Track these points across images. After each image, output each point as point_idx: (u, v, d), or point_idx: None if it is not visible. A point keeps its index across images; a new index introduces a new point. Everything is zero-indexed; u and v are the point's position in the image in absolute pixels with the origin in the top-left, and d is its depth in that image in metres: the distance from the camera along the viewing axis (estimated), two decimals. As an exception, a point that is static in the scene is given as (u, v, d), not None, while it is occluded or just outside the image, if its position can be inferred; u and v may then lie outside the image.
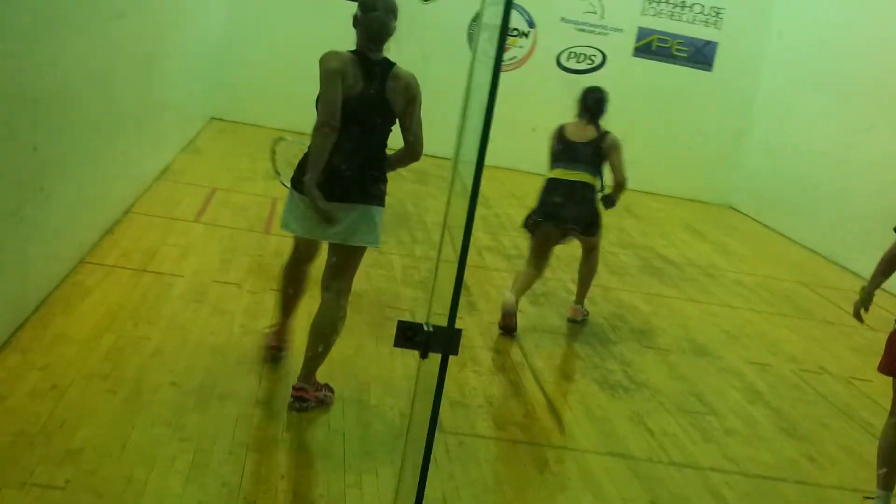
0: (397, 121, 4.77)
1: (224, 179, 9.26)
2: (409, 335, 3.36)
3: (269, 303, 6.04)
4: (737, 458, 5.13)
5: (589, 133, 6.81)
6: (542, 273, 6.95)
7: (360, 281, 6.77)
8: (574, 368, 6.03)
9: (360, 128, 4.67)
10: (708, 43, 13.66)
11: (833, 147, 11.48)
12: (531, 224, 6.89)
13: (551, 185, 6.86)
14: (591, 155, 6.76)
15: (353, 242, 4.78)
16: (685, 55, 13.64)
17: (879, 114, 10.69)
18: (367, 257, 7.29)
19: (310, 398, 4.74)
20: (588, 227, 6.84)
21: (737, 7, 13.60)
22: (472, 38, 12.56)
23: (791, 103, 12.71)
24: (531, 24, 13.34)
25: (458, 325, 6.27)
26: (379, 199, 4.79)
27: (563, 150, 6.83)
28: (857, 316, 4.79)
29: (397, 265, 7.42)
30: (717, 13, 13.61)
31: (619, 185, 6.79)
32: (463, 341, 5.91)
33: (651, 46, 13.55)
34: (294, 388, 4.74)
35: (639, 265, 9.07)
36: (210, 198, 8.40)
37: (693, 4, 13.58)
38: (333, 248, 4.85)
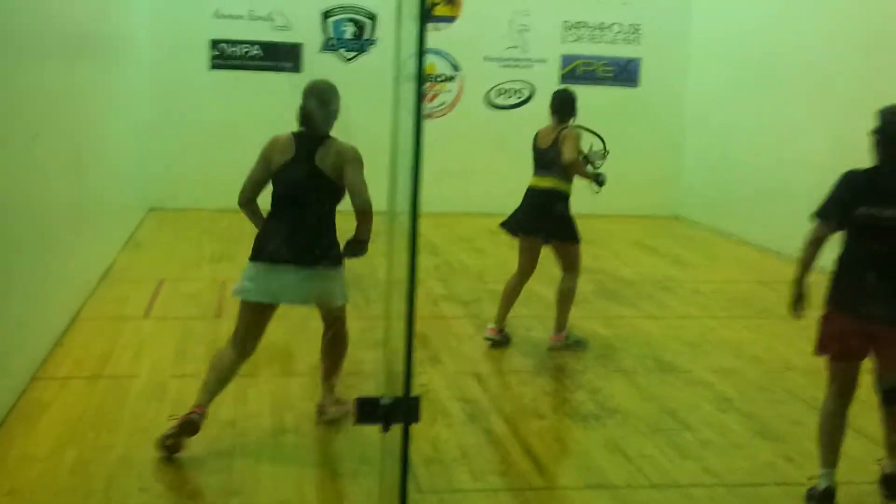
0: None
1: (169, 270, 9.20)
2: (369, 410, 3.33)
3: (230, 388, 5.94)
4: (716, 470, 5.13)
5: (554, 135, 6.99)
6: (528, 276, 7.21)
7: (318, 351, 6.75)
8: (544, 405, 6.01)
9: (301, 198, 5.20)
10: (631, 60, 13.83)
11: (768, 144, 11.65)
12: (508, 231, 7.21)
13: (526, 194, 7.15)
14: (555, 158, 6.90)
15: (318, 305, 5.42)
16: (611, 75, 13.80)
17: (807, 107, 10.87)
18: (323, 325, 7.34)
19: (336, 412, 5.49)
20: (556, 235, 6.97)
21: (654, 21, 13.79)
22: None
23: (723, 107, 12.88)
24: (456, 68, 13.45)
25: (422, 379, 6.27)
26: (333, 260, 5.24)
27: (536, 156, 7.10)
28: (796, 312, 4.79)
29: (354, 328, 7.29)
30: (636, 30, 13.80)
31: (570, 168, 6.87)
32: (430, 395, 5.95)
33: (576, 72, 13.69)
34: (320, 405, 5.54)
35: (594, 289, 9.09)
36: (157, 291, 8.33)
37: (612, 24, 13.76)
38: (321, 314, 5.54)
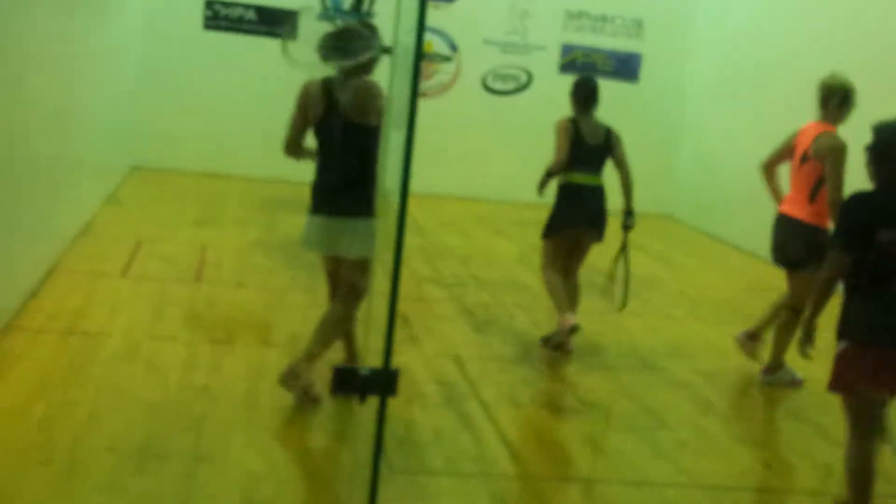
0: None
1: (149, 230, 9.05)
2: (346, 380, 3.26)
3: (206, 354, 5.88)
4: (692, 471, 5.07)
5: (602, 131, 7.10)
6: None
7: (298, 323, 6.68)
8: (522, 395, 5.92)
9: (332, 144, 5.16)
10: (632, 55, 13.72)
11: (765, 149, 11.55)
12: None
13: (580, 192, 6.89)
14: (605, 157, 7.02)
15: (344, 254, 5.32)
16: (610, 69, 13.68)
17: (805, 114, 10.78)
18: (305, 299, 7.25)
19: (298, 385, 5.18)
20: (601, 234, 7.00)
21: (657, 18, 13.67)
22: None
23: (720, 109, 12.81)
24: (454, 48, 13.31)
25: (400, 359, 6.17)
26: (363, 210, 5.20)
27: (583, 152, 6.86)
28: (804, 354, 4.57)
29: (336, 304, 7.27)
30: (639, 24, 13.69)
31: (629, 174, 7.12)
32: (407, 376, 5.85)
33: (576, 62, 13.57)
34: (287, 368, 5.22)
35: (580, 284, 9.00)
36: (136, 250, 8.19)
37: (614, 17, 13.64)
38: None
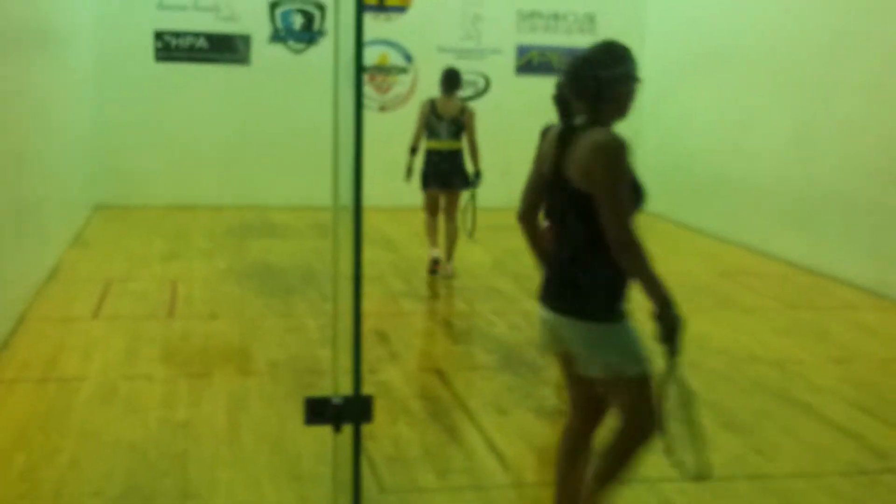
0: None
1: (118, 268, 8.98)
2: (319, 411, 3.19)
3: (184, 389, 5.81)
4: (684, 464, 5.03)
5: (457, 106, 8.87)
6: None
7: (275, 349, 6.62)
8: (507, 401, 5.88)
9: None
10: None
11: (727, 133, 11.62)
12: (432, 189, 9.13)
13: (437, 155, 8.86)
14: (462, 127, 8.84)
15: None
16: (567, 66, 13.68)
17: (766, 95, 10.85)
18: (280, 325, 7.19)
19: None
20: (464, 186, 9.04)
21: (608, 11, 13.71)
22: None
23: (680, 97, 12.84)
24: (408, 59, 13.28)
25: (382, 377, 6.11)
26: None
27: (440, 124, 8.77)
28: None
29: (311, 326, 7.22)
30: (592, 20, 13.72)
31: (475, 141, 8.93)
32: (390, 392, 5.80)
33: (532, 63, 13.58)
34: None
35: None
36: (106, 290, 8.10)
37: (566, 14, 13.67)
38: None
